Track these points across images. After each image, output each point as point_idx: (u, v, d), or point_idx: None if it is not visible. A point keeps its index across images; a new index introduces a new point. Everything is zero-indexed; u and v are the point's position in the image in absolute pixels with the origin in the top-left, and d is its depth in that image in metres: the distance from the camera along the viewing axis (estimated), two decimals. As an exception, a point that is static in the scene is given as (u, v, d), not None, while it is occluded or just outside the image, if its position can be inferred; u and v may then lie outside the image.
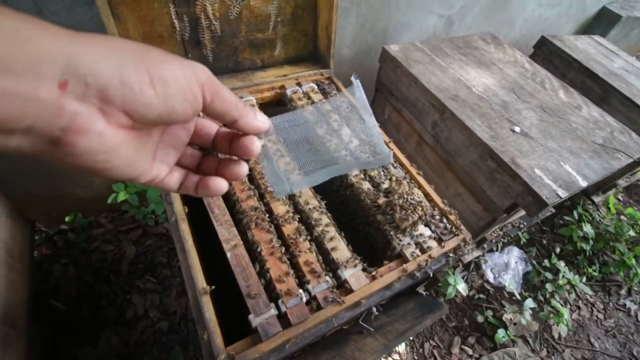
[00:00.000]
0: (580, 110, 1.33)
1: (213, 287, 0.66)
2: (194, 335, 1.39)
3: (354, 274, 0.72)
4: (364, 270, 0.74)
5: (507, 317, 1.57)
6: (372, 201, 0.85)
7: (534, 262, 1.81)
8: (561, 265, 1.70)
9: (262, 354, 0.60)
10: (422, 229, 0.82)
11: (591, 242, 1.78)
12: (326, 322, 0.66)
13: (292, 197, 0.84)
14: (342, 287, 0.72)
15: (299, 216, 0.80)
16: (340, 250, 0.75)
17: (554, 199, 0.95)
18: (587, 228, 1.78)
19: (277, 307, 0.64)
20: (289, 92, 1.11)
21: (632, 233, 1.80)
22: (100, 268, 1.48)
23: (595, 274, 1.80)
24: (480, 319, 1.56)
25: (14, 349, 0.85)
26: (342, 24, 1.48)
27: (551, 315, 1.53)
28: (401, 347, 1.44)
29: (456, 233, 0.85)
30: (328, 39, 1.19)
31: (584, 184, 1.02)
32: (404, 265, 0.76)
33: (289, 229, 0.76)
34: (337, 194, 0.98)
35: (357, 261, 0.74)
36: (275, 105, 1.17)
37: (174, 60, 0.26)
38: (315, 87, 1.15)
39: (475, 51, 1.52)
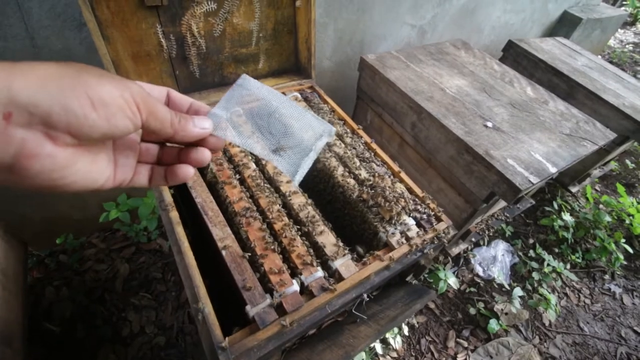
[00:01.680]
0: (548, 105, 1.43)
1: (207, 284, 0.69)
2: (192, 349, 1.39)
3: (343, 263, 0.76)
4: (353, 259, 0.78)
5: (498, 307, 1.62)
6: (357, 196, 0.90)
7: (520, 253, 1.87)
8: (545, 254, 1.77)
9: (261, 341, 0.63)
10: (406, 219, 0.87)
11: (572, 230, 1.86)
12: (320, 309, 0.70)
13: (281, 196, 0.88)
14: (333, 276, 0.76)
15: (287, 211, 0.84)
16: (330, 242, 0.79)
17: (527, 185, 1.02)
18: (567, 217, 1.86)
19: (272, 297, 0.68)
20: (273, 101, 1.17)
21: (609, 219, 1.89)
22: (93, 288, 1.48)
23: (579, 261, 1.88)
24: (472, 311, 1.60)
25: (11, 366, 0.85)
26: (321, 38, 1.56)
27: (540, 302, 1.59)
28: (398, 345, 1.46)
29: (437, 220, 0.90)
30: (308, 51, 1.27)
31: (553, 170, 1.10)
32: (391, 253, 0.80)
33: (280, 226, 0.80)
34: (324, 193, 1.03)
35: (346, 251, 0.78)
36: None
37: (110, 81, 0.27)
38: (299, 95, 1.22)
39: (447, 56, 1.62)
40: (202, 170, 0.93)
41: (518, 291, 1.57)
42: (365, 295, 0.78)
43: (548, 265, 1.68)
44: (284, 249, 0.77)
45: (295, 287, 0.70)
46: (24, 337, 0.97)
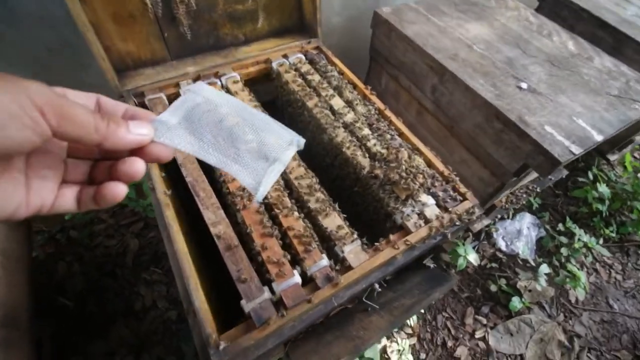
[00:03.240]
0: (592, 61, 1.23)
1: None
2: (203, 323, 1.39)
3: (352, 250, 0.68)
4: (363, 245, 0.69)
5: (521, 284, 1.53)
6: (369, 172, 0.80)
7: (547, 227, 1.74)
8: (577, 228, 1.63)
9: (258, 340, 0.56)
10: (424, 197, 0.76)
11: (607, 202, 1.70)
12: (325, 302, 0.63)
13: (282, 174, 0.79)
14: (340, 264, 0.68)
15: (288, 191, 0.75)
16: (337, 225, 0.70)
17: (567, 156, 0.88)
18: (603, 188, 1.69)
19: (271, 290, 0.61)
20: (275, 65, 1.04)
21: (650, 190, 1.71)
22: (104, 263, 1.48)
23: (613, 235, 1.73)
24: (493, 288, 1.52)
25: (16, 349, 0.84)
26: (329, -11, 1.38)
27: (567, 279, 1.48)
28: (413, 321, 1.41)
29: (461, 200, 0.79)
30: (313, 5, 1.11)
31: (599, 138, 0.94)
32: (407, 238, 0.71)
33: (280, 208, 0.71)
34: (330, 169, 0.92)
35: (354, 236, 0.69)
36: (263, 80, 1.10)
37: (3, 84, 0.23)
38: (303, 57, 1.08)
39: (474, 7, 1.40)
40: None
41: (544, 268, 1.46)
42: (376, 285, 0.70)
43: (579, 240, 1.55)
44: (284, 234, 0.69)
45: (297, 278, 0.62)
46: (30, 317, 0.97)
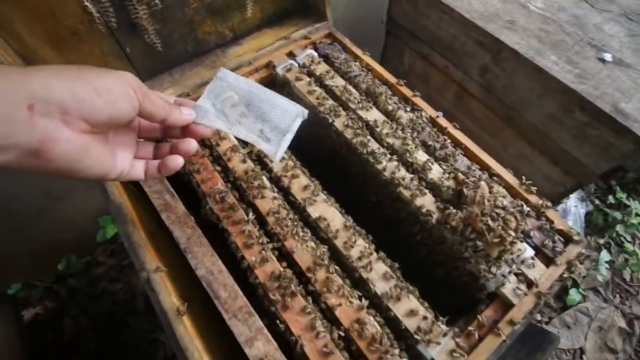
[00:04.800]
0: (675, 6, 0.96)
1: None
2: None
3: (443, 349, 0.49)
4: (454, 337, 0.50)
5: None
6: (439, 222, 0.59)
7: (594, 199, 1.56)
8: (630, 200, 1.46)
9: None
10: (520, 247, 0.56)
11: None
12: None
13: (323, 238, 0.58)
14: (428, 368, 0.50)
15: (335, 265, 0.55)
16: (410, 310, 0.51)
17: (687, 155, 0.67)
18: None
19: None
20: (280, 70, 0.78)
21: None
22: (114, 312, 1.31)
23: (668, 200, 1.56)
24: (546, 280, 1.38)
25: None
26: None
27: (628, 262, 1.33)
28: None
29: (564, 241, 0.59)
30: (318, -24, 0.83)
31: None
32: (510, 315, 0.52)
33: (333, 298, 0.52)
34: (377, 208, 0.71)
35: (442, 327, 0.50)
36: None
37: (107, 72, 0.33)
38: (315, 54, 0.81)
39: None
40: (199, 210, 0.62)
41: (605, 255, 1.31)
42: (478, 386, 0.52)
43: (636, 215, 1.38)
44: (344, 337, 0.50)
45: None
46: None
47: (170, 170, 0.40)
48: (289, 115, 0.46)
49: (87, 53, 0.67)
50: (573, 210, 1.51)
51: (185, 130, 0.42)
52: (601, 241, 1.45)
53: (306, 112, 0.47)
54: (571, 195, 1.52)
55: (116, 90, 0.32)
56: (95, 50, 0.68)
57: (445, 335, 0.49)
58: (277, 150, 0.44)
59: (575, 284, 1.35)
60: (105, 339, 1.25)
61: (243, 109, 0.44)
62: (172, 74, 0.80)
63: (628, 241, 1.44)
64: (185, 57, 0.81)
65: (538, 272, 0.55)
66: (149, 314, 1.32)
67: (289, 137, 0.46)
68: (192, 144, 0.41)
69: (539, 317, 1.36)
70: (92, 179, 0.34)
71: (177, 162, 0.40)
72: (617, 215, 1.45)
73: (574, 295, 1.31)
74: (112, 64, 0.72)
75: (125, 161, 0.39)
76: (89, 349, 1.23)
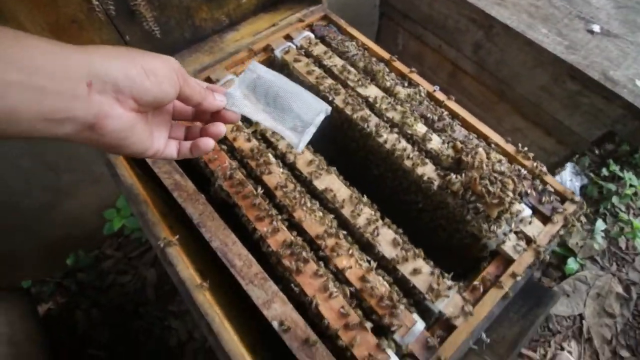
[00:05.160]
0: (660, -25, 0.99)
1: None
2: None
3: (450, 303, 0.52)
4: (460, 291, 0.54)
5: (573, 242, 1.42)
6: (441, 187, 0.61)
7: (589, 172, 1.60)
8: (624, 172, 1.49)
9: None
10: (518, 208, 0.59)
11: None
12: (434, 383, 0.48)
13: (331, 211, 0.61)
14: (436, 322, 0.53)
15: (344, 232, 0.57)
16: (422, 272, 0.54)
17: (674, 116, 0.70)
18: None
19: (365, 385, 0.46)
20: (278, 53, 0.80)
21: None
22: (124, 303, 1.34)
23: (659, 169, 1.60)
24: (544, 252, 1.42)
25: None
26: None
27: (623, 230, 1.37)
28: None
29: (560, 199, 0.62)
30: (311, -41, 0.84)
31: (701, 82, 0.75)
32: (512, 269, 0.55)
33: (343, 261, 0.54)
34: (381, 181, 0.74)
35: (448, 282, 0.53)
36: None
37: (155, 57, 0.35)
38: (312, 36, 0.83)
39: None
40: (209, 188, 0.64)
41: (601, 224, 1.35)
42: (484, 335, 0.55)
43: (630, 186, 1.42)
44: (357, 297, 0.53)
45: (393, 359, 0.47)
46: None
47: (202, 151, 0.42)
48: (314, 110, 0.47)
49: (88, 41, 0.69)
50: (568, 184, 1.55)
51: (216, 115, 0.44)
52: (597, 213, 1.49)
53: (329, 109, 0.49)
54: (567, 169, 1.56)
55: (162, 73, 0.34)
56: (95, 39, 0.70)
57: (450, 289, 0.52)
58: (300, 141, 0.46)
59: (574, 254, 1.39)
60: (118, 330, 1.28)
61: (270, 99, 0.46)
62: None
63: (622, 211, 1.48)
64: (183, 44, 0.83)
65: (536, 229, 0.59)
66: (160, 302, 1.34)
67: (312, 130, 0.47)
68: (221, 128, 0.43)
69: (538, 288, 1.40)
70: (133, 154, 0.37)
71: (208, 144, 0.42)
72: (612, 187, 1.49)
73: (572, 264, 1.35)
74: (115, 52, 0.73)
75: (161, 140, 0.40)
76: (103, 340, 1.26)
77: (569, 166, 1.59)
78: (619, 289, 1.40)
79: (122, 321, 1.30)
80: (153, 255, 1.43)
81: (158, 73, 0.33)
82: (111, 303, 1.33)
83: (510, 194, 0.57)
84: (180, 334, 1.30)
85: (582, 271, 1.42)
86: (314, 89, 0.75)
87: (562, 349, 1.36)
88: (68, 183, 1.14)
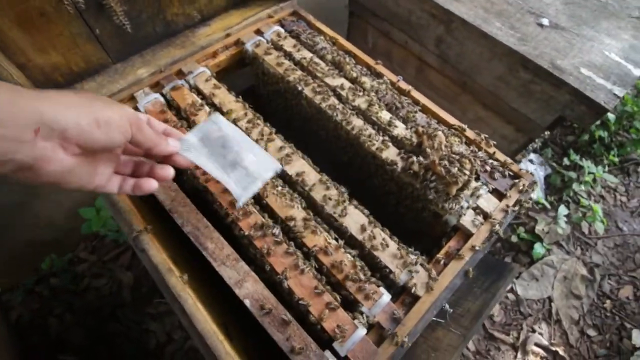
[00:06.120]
0: (602, -23, 1.08)
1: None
2: (228, 343, 1.28)
3: (415, 276, 0.55)
4: (423, 263, 0.57)
5: (539, 228, 1.50)
6: (404, 169, 0.65)
7: (552, 163, 1.70)
8: (582, 160, 1.60)
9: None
10: (475, 186, 0.64)
11: (614, 128, 1.66)
12: (397, 350, 0.51)
13: (300, 190, 0.63)
14: (401, 294, 0.56)
15: (314, 214, 0.60)
16: (389, 249, 0.57)
17: (613, 102, 0.77)
18: (609, 114, 1.64)
19: (334, 353, 0.48)
20: (249, 47, 0.82)
21: (649, 106, 1.67)
22: (100, 306, 1.31)
23: (615, 159, 1.72)
24: (513, 239, 1.49)
25: None
26: None
27: (585, 215, 1.47)
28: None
29: (513, 176, 0.67)
30: (279, -43, 0.87)
31: (637, 72, 0.83)
32: (471, 242, 0.59)
33: (313, 240, 0.57)
34: (350, 167, 0.77)
35: (412, 257, 0.56)
36: (236, 68, 0.88)
37: (113, 107, 0.37)
38: (282, 30, 0.86)
39: None
40: (181, 176, 0.65)
41: (563, 210, 1.43)
42: (447, 306, 0.59)
43: (589, 173, 1.52)
44: (325, 273, 0.55)
45: (362, 330, 0.50)
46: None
47: (144, 192, 0.43)
48: (264, 167, 0.49)
49: (56, 35, 0.69)
50: (533, 173, 1.64)
51: (167, 158, 0.44)
52: (561, 200, 1.58)
53: (280, 167, 0.51)
54: (533, 161, 1.65)
55: (115, 123, 0.36)
56: (65, 32, 0.70)
57: (415, 264, 0.56)
58: (242, 194, 0.47)
59: (540, 240, 1.47)
60: (93, 333, 1.25)
61: (225, 151, 0.47)
62: (144, 55, 0.82)
63: (584, 197, 1.58)
64: (155, 38, 0.84)
65: (492, 204, 0.63)
66: (137, 305, 1.32)
67: (258, 184, 0.48)
68: (169, 171, 0.44)
69: (509, 273, 1.47)
70: (72, 190, 0.38)
71: (152, 185, 0.43)
72: (573, 175, 1.59)
73: (539, 249, 1.42)
74: (83, 46, 0.74)
75: (104, 176, 0.41)
76: (78, 344, 1.22)
77: (533, 157, 1.68)
78: (584, 271, 1.49)
79: (97, 325, 1.26)
80: (129, 257, 1.41)
81: (111, 123, 0.35)
82: (86, 307, 1.30)
83: (468, 173, 0.61)
84: (159, 336, 1.28)
85: (549, 256, 1.50)
86: (283, 80, 0.77)
87: (534, 331, 1.43)
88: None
